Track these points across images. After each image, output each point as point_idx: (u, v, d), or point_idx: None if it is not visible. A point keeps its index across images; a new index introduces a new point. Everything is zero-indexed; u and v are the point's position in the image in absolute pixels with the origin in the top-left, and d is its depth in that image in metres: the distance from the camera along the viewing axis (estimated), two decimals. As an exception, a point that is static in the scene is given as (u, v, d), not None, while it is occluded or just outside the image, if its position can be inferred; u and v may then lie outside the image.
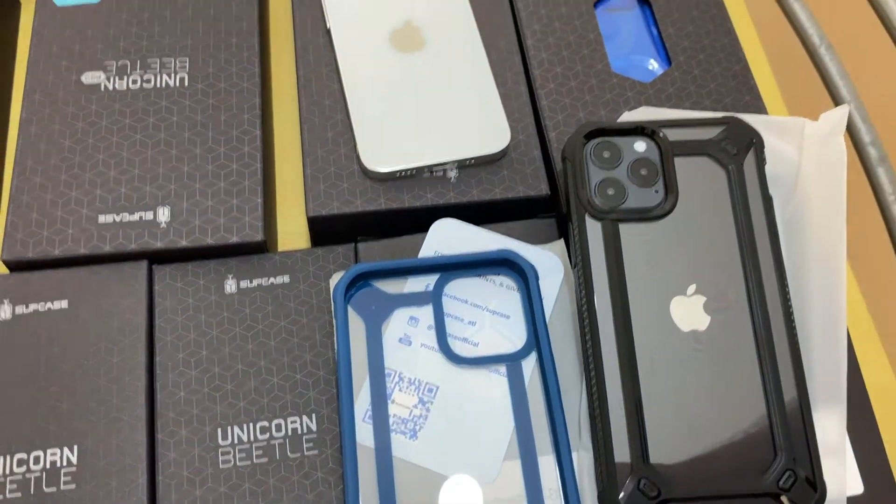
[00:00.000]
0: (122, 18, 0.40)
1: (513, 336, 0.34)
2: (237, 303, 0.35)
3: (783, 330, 0.32)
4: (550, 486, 0.31)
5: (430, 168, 0.37)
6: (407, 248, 0.36)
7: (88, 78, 0.38)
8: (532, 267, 0.34)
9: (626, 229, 0.34)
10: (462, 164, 0.37)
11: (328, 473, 0.32)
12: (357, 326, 0.33)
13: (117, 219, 0.35)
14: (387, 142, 0.37)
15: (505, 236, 0.36)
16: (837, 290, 0.33)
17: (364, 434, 0.31)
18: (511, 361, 0.33)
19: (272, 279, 0.35)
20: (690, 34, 0.42)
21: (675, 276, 0.33)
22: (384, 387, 0.32)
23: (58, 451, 0.31)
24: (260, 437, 0.32)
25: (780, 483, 0.30)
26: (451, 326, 0.34)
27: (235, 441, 0.32)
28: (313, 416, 0.33)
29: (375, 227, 0.37)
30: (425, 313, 0.34)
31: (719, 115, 0.36)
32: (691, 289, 0.33)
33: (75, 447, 0.31)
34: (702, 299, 0.33)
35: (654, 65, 0.42)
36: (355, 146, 0.37)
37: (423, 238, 0.36)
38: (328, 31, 0.40)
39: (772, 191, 0.35)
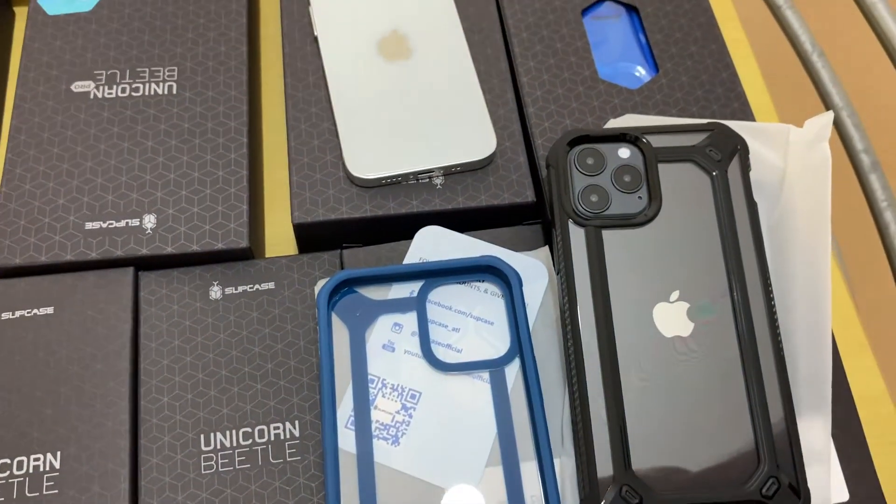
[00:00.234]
0: (113, 28, 0.40)
1: (496, 342, 0.34)
2: (222, 309, 0.35)
3: (767, 336, 0.32)
4: (533, 493, 0.31)
5: (416, 175, 0.37)
6: (392, 255, 0.36)
7: (78, 86, 0.38)
8: (516, 273, 0.34)
9: (609, 235, 0.34)
10: (448, 171, 0.37)
11: (310, 479, 0.32)
12: (341, 333, 0.33)
13: (104, 225, 0.35)
14: (372, 149, 0.37)
15: (490, 243, 0.36)
16: (822, 297, 0.33)
17: (346, 440, 0.31)
18: (494, 368, 0.33)
19: (257, 286, 0.35)
20: (678, 41, 0.42)
21: (658, 283, 0.33)
22: (367, 393, 0.32)
23: (41, 456, 0.31)
24: (243, 442, 0.32)
25: (764, 490, 0.30)
26: (434, 333, 0.34)
27: (218, 447, 0.32)
28: (296, 422, 0.33)
29: (361, 233, 0.37)
30: (409, 320, 0.34)
31: (704, 121, 0.36)
32: (674, 295, 0.33)
33: (59, 453, 0.31)
34: (685, 306, 0.33)
35: (642, 72, 0.42)
36: (341, 153, 0.37)
37: (409, 245, 0.36)
38: (315, 40, 0.40)
39: (757, 197, 0.35)
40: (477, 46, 0.41)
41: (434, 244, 0.36)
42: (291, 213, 0.36)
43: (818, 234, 0.34)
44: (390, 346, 0.33)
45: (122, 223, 0.35)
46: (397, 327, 0.34)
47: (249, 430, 0.33)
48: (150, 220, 0.35)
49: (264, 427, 0.33)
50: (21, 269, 0.34)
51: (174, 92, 0.39)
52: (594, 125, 0.39)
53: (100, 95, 0.38)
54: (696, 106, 0.40)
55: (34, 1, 0.41)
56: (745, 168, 0.35)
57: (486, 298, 0.35)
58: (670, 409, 0.31)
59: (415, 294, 0.34)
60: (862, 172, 0.49)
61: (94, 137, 0.37)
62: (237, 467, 0.32)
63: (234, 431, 0.32)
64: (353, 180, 0.37)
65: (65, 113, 0.38)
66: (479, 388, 0.33)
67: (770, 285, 0.33)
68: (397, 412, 0.32)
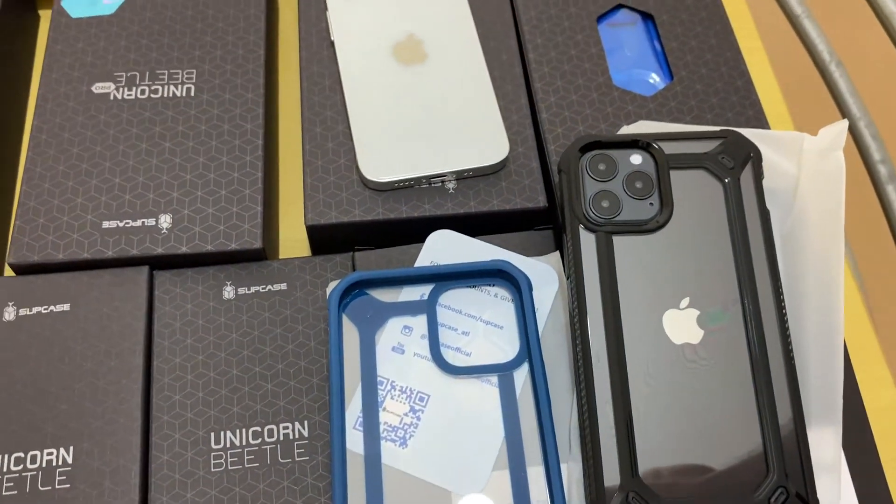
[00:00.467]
0: (134, 30, 0.41)
1: (506, 346, 0.34)
2: (234, 309, 0.35)
3: (778, 345, 0.32)
4: (539, 498, 0.31)
5: (429, 179, 0.37)
6: (404, 258, 0.36)
7: (98, 88, 0.39)
8: (526, 278, 0.34)
9: (620, 241, 0.34)
10: (460, 176, 0.37)
11: (318, 480, 0.32)
12: (351, 334, 0.34)
13: (120, 224, 0.36)
14: (386, 152, 0.37)
15: (501, 248, 0.36)
16: (834, 307, 0.33)
17: (354, 441, 0.32)
18: (503, 372, 0.33)
19: (269, 286, 0.36)
20: (693, 49, 0.42)
21: (668, 289, 0.33)
22: (376, 394, 0.33)
23: (54, 451, 0.32)
24: (252, 442, 0.33)
25: (772, 500, 0.30)
26: (444, 336, 0.34)
27: (228, 445, 0.32)
28: (305, 422, 0.33)
29: (373, 236, 0.37)
30: (419, 322, 0.34)
31: (717, 128, 0.36)
32: (685, 302, 0.33)
33: (71, 448, 0.32)
34: (695, 313, 0.32)
35: (656, 79, 0.42)
36: (355, 156, 0.37)
37: (420, 248, 0.36)
38: (332, 44, 0.40)
39: (770, 205, 0.35)
40: (492, 52, 0.41)
41: (445, 248, 0.36)
42: (305, 215, 0.36)
43: (831, 242, 0.33)
44: (400, 348, 0.34)
45: (139, 222, 0.36)
46: (407, 330, 0.34)
47: (259, 429, 0.33)
48: (165, 220, 0.36)
49: (274, 426, 0.33)
50: (39, 267, 0.35)
51: (192, 94, 0.39)
52: (607, 131, 0.39)
53: (120, 97, 0.39)
54: (711, 113, 0.40)
55: (58, 3, 0.42)
56: (758, 176, 0.35)
57: (496, 303, 0.35)
58: (679, 417, 0.31)
59: (425, 297, 0.34)
60: (879, 183, 0.48)
61: (114, 138, 0.38)
62: (246, 466, 0.32)
63: (243, 430, 0.33)
64: (366, 183, 0.37)
65: (85, 113, 0.38)
66: (487, 392, 0.33)
67: (781, 294, 0.33)
68: (405, 414, 0.32)
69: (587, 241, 0.34)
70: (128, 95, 0.39)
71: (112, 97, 0.39)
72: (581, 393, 0.32)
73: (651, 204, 0.34)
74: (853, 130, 0.49)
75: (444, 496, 0.31)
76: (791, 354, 0.32)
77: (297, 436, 0.33)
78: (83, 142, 0.38)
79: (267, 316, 0.35)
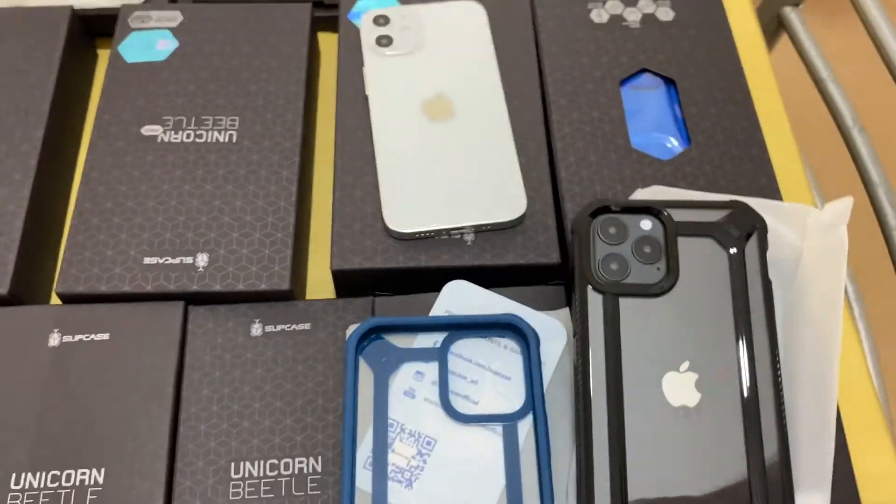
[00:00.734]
0: (183, 77, 0.44)
1: (512, 397, 0.36)
2: (261, 346, 0.38)
3: (772, 415, 0.33)
4: (535, 545, 0.33)
5: (448, 231, 0.39)
6: (420, 305, 0.38)
7: (147, 130, 0.42)
8: (534, 332, 0.36)
9: (626, 304, 0.35)
10: (479, 229, 0.39)
11: (328, 513, 0.34)
12: (366, 376, 0.36)
13: (160, 261, 0.38)
14: (410, 204, 0.39)
15: (513, 301, 0.38)
16: (830, 380, 0.34)
17: (363, 480, 0.34)
18: (507, 422, 0.35)
19: (294, 326, 0.38)
20: (712, 116, 0.43)
21: (669, 352, 0.34)
22: (386, 436, 0.35)
23: (87, 471, 0.34)
24: (269, 473, 0.35)
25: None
26: (454, 383, 0.36)
27: (246, 475, 0.35)
28: (319, 458, 0.35)
29: (394, 282, 0.39)
30: (431, 369, 0.36)
31: (726, 198, 0.38)
32: (684, 366, 0.34)
33: (103, 469, 0.34)
34: (694, 377, 0.34)
35: (674, 143, 0.43)
36: (381, 206, 0.40)
37: (437, 297, 0.38)
38: (366, 98, 0.43)
39: (773, 275, 0.36)
40: (516, 111, 0.43)
41: (460, 298, 0.38)
42: (331, 260, 0.39)
43: (830, 316, 0.35)
44: (411, 392, 0.36)
45: (178, 260, 0.39)
46: (419, 375, 0.36)
47: (276, 461, 0.35)
48: (202, 259, 0.39)
49: (290, 460, 0.35)
50: (83, 297, 0.38)
51: (234, 140, 0.42)
52: (623, 193, 0.41)
53: (167, 140, 0.42)
54: (724, 180, 0.41)
55: (115, 48, 0.45)
56: (763, 247, 0.36)
57: (505, 354, 0.37)
58: (672, 479, 0.32)
59: (438, 345, 0.36)
60: (895, 249, 0.49)
61: (159, 178, 0.41)
62: (262, 496, 0.34)
63: (262, 462, 0.35)
64: (389, 232, 0.39)
65: (134, 154, 0.41)
66: (491, 441, 0.35)
67: (779, 365, 0.34)
68: (413, 457, 0.34)
69: (594, 301, 0.35)
70: (174, 139, 0.42)
71: (159, 139, 0.42)
72: (580, 448, 0.33)
73: (658, 269, 0.36)
74: (872, 196, 0.50)
75: (444, 538, 0.33)
76: (784, 424, 0.33)
77: (310, 470, 0.35)
78: (130, 181, 0.41)
79: (290, 354, 0.37)
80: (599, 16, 0.47)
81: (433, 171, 0.40)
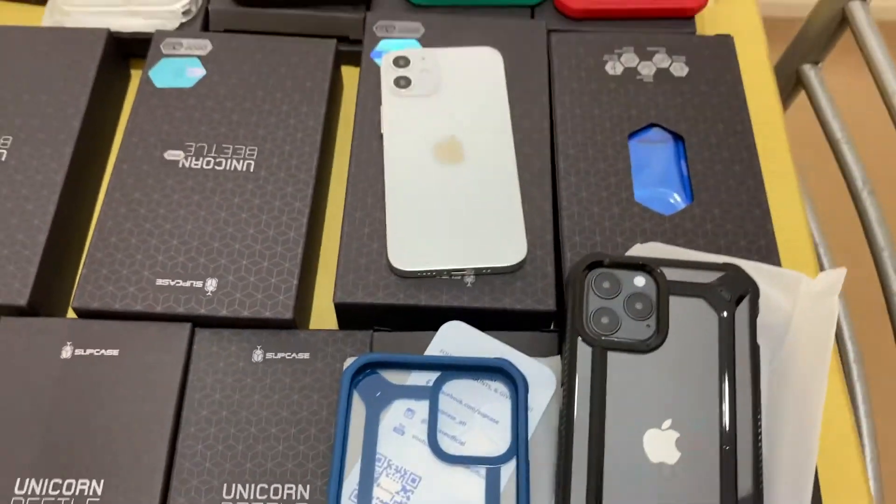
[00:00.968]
0: (208, 105, 0.46)
1: (498, 440, 0.37)
2: (260, 372, 0.39)
3: (749, 479, 0.34)
4: (508, 588, 0.34)
5: (450, 272, 0.40)
6: (417, 343, 0.39)
7: (170, 155, 0.44)
8: (524, 379, 0.37)
9: (614, 357, 0.36)
10: (479, 272, 0.41)
11: (311, 541, 0.35)
12: (359, 410, 0.37)
13: (172, 283, 0.40)
14: (414, 243, 0.41)
15: (506, 345, 0.39)
16: (809, 449, 0.34)
17: (347, 510, 0.35)
18: (491, 465, 0.36)
19: (294, 354, 0.40)
20: (717, 174, 0.44)
21: (653, 409, 0.35)
22: (373, 470, 0.36)
23: (87, 481, 0.36)
24: (259, 497, 0.36)
25: None
26: (443, 423, 0.37)
27: (237, 497, 0.36)
28: (308, 486, 0.36)
29: (394, 318, 0.41)
30: (422, 407, 0.37)
31: (721, 260, 0.38)
32: (666, 423, 0.35)
33: (102, 481, 0.36)
34: (675, 435, 0.35)
35: (677, 199, 0.44)
36: (386, 243, 0.41)
37: (433, 336, 0.39)
38: (381, 136, 0.44)
39: (762, 339, 0.37)
40: (525, 158, 0.44)
41: (456, 338, 0.39)
42: (334, 293, 0.40)
43: (815, 384, 0.35)
44: (401, 429, 0.37)
45: (188, 283, 0.40)
46: (410, 413, 0.37)
47: (266, 486, 0.36)
48: (211, 284, 0.40)
49: (279, 485, 0.36)
50: (96, 313, 0.40)
51: (251, 170, 0.44)
52: (623, 246, 0.42)
53: (188, 165, 0.44)
54: (724, 239, 0.42)
55: (146, 73, 0.47)
56: (754, 312, 0.37)
57: (494, 397, 0.38)
58: (646, 531, 0.33)
59: (430, 384, 0.38)
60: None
61: (177, 203, 0.42)
62: (250, 519, 0.36)
63: (253, 485, 0.36)
64: (393, 270, 0.41)
65: (155, 177, 0.43)
66: (474, 482, 0.36)
67: (760, 431, 0.35)
68: (397, 492, 0.35)
69: (583, 353, 0.36)
70: (195, 164, 0.44)
71: (181, 165, 0.44)
72: (559, 495, 0.34)
73: (648, 326, 0.37)
74: (876, 261, 0.50)
75: (420, 574, 0.34)
76: (761, 489, 0.34)
77: (298, 497, 0.36)
78: (150, 203, 0.42)
79: (288, 382, 0.39)
80: (614, 68, 0.48)
81: (439, 213, 0.42)
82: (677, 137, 0.46)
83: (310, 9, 0.51)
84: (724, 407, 0.35)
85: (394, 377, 0.38)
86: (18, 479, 0.36)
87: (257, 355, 0.39)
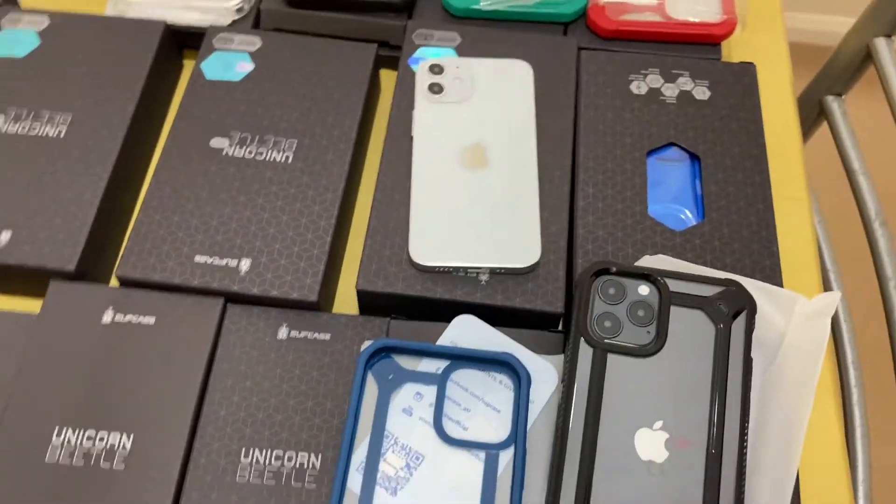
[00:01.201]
0: (253, 98, 0.49)
1: (499, 428, 0.39)
2: (284, 348, 0.42)
3: (732, 482, 0.36)
4: (497, 565, 0.36)
5: (466, 269, 0.43)
6: (430, 332, 0.42)
7: (215, 142, 0.47)
8: (527, 374, 0.39)
9: (613, 360, 0.39)
10: (493, 271, 0.43)
11: (319, 507, 0.38)
12: (371, 390, 0.40)
13: (209, 261, 0.43)
14: (434, 240, 0.43)
15: (514, 341, 0.41)
16: (790, 462, 0.36)
17: (354, 482, 0.38)
18: (491, 450, 0.38)
19: (316, 334, 0.42)
20: (729, 194, 0.46)
21: (646, 410, 0.37)
22: (381, 446, 0.39)
23: (119, 434, 0.39)
24: (273, 462, 0.39)
25: None
26: (448, 408, 0.39)
27: (254, 462, 0.39)
28: (320, 455, 0.39)
29: (410, 308, 0.43)
30: (430, 392, 0.40)
31: (722, 276, 0.41)
32: (658, 424, 0.37)
33: (132, 435, 0.39)
34: (665, 435, 0.37)
35: (689, 215, 0.46)
36: (408, 238, 0.44)
37: (445, 327, 0.42)
38: (411, 138, 0.47)
39: (755, 352, 0.39)
40: (547, 167, 0.47)
41: (466, 331, 0.42)
42: (357, 280, 0.43)
43: (801, 402, 0.37)
44: (409, 410, 0.39)
45: (224, 262, 0.43)
46: (418, 396, 0.40)
47: (281, 452, 0.39)
48: (245, 264, 0.43)
49: (293, 453, 0.39)
50: (137, 282, 0.43)
51: (289, 161, 0.47)
52: (632, 257, 0.44)
53: (231, 153, 0.47)
54: (731, 257, 0.44)
55: (198, 65, 0.50)
56: (750, 327, 0.39)
57: (498, 388, 0.40)
58: (630, 523, 0.35)
59: (440, 371, 0.40)
60: (898, 343, 0.51)
61: (218, 187, 0.46)
62: (264, 482, 0.39)
63: (269, 451, 0.39)
64: (413, 263, 0.43)
65: (200, 163, 0.46)
66: (473, 465, 0.38)
67: (746, 439, 0.37)
68: (401, 468, 0.38)
69: (585, 353, 0.39)
70: (237, 153, 0.47)
71: (224, 152, 0.47)
72: (551, 484, 0.37)
73: (648, 332, 0.39)
74: (883, 292, 0.52)
75: (417, 545, 0.36)
76: (742, 494, 0.36)
77: (310, 466, 0.39)
78: (193, 186, 0.46)
79: (309, 360, 0.42)
80: (639, 87, 0.50)
81: (460, 214, 0.44)
82: (694, 157, 0.48)
83: (355, 13, 0.54)
84: (714, 413, 0.37)
85: (406, 362, 0.41)
86: (57, 428, 0.39)
87: (282, 332, 0.42)
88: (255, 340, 0.42)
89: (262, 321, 0.43)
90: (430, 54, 0.51)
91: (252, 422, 0.40)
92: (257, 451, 0.39)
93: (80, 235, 0.44)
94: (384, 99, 0.55)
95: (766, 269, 0.44)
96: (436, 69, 0.49)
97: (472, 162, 0.46)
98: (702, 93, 0.50)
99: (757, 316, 0.39)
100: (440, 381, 0.40)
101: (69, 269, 0.43)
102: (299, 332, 0.43)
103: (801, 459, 0.38)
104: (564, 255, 0.44)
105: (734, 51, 0.57)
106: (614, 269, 0.40)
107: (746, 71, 0.51)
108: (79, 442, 0.39)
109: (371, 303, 0.44)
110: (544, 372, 0.40)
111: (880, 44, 0.56)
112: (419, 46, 0.52)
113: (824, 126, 0.63)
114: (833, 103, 0.61)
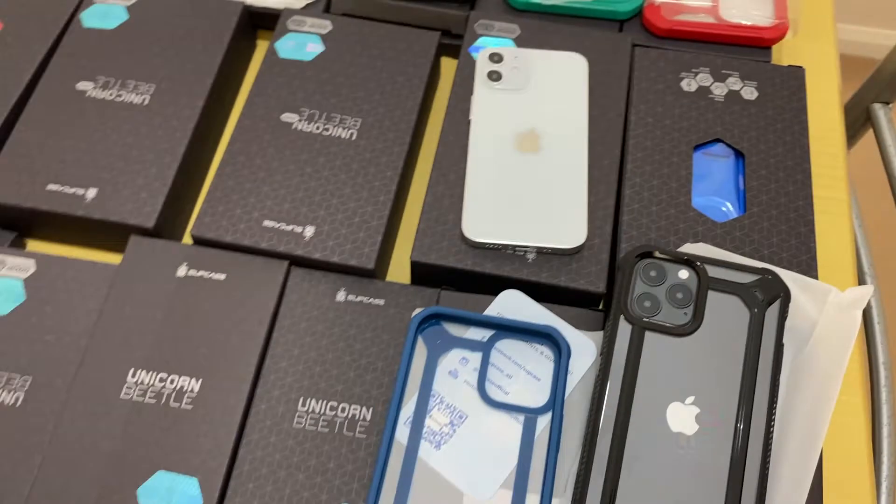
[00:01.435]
0: (323, 78, 0.52)
1: (538, 395, 0.42)
2: (342, 310, 0.45)
3: (758, 461, 0.38)
4: (530, 520, 0.39)
5: (514, 247, 0.46)
6: (478, 304, 0.45)
7: (286, 117, 0.51)
8: (568, 346, 0.42)
9: (650, 337, 0.41)
10: (541, 250, 0.46)
11: (368, 454, 0.41)
12: (421, 352, 0.43)
13: (276, 226, 0.47)
14: (486, 218, 0.46)
15: (556, 316, 0.44)
16: (813, 446, 0.38)
17: (402, 433, 0.41)
18: (529, 414, 0.41)
19: (372, 300, 0.46)
20: (771, 190, 0.48)
21: (679, 386, 0.40)
22: (427, 403, 0.41)
23: (188, 379, 0.43)
24: (328, 412, 0.42)
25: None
26: (491, 373, 0.42)
27: (310, 410, 0.42)
28: (371, 409, 0.42)
29: (460, 280, 0.46)
30: (475, 358, 0.43)
31: (759, 265, 0.43)
32: (689, 399, 0.39)
33: (200, 380, 0.43)
34: (696, 410, 0.39)
35: (730, 208, 0.48)
36: (461, 215, 0.46)
37: (492, 300, 0.45)
38: (469, 122, 0.50)
39: (787, 339, 0.41)
40: (597, 155, 0.49)
41: (512, 305, 0.44)
42: (412, 252, 0.46)
43: (828, 389, 0.39)
44: (455, 373, 0.42)
45: (290, 227, 0.47)
46: (464, 361, 0.43)
47: (335, 404, 0.42)
48: (309, 230, 0.47)
49: (346, 405, 0.42)
50: (210, 242, 0.47)
51: (353, 138, 0.50)
52: (674, 244, 0.46)
53: (300, 128, 0.50)
54: (768, 250, 0.46)
55: (272, 44, 0.54)
56: (783, 314, 0.41)
57: (540, 358, 0.43)
58: (658, 491, 0.38)
59: (485, 340, 0.43)
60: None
61: (287, 158, 0.49)
62: (319, 429, 0.42)
63: (324, 402, 0.43)
64: (464, 239, 0.46)
65: (272, 134, 0.50)
66: (512, 426, 0.41)
67: (773, 420, 0.39)
68: (445, 425, 0.41)
69: (624, 330, 0.41)
70: (306, 128, 0.50)
71: (294, 127, 0.50)
72: (585, 449, 0.39)
73: (685, 314, 0.41)
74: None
75: (456, 496, 0.39)
76: (766, 472, 0.38)
77: (361, 417, 0.42)
78: (264, 156, 0.49)
79: (364, 322, 0.45)
80: (689, 85, 0.52)
81: (511, 194, 0.47)
82: (738, 154, 0.50)
83: (420, 2, 0.57)
84: (744, 393, 0.39)
85: (454, 330, 0.43)
86: (132, 369, 0.43)
87: (341, 296, 0.46)
88: (315, 301, 0.45)
89: (323, 284, 0.46)
90: (490, 44, 0.54)
91: (310, 374, 0.43)
92: (313, 401, 0.43)
93: (160, 195, 0.48)
94: (443, 85, 0.58)
95: (802, 264, 0.46)
96: (495, 58, 0.52)
97: (525, 146, 0.49)
98: (750, 93, 0.52)
99: (790, 304, 0.41)
100: (485, 348, 0.43)
101: (148, 226, 0.47)
102: (356, 297, 0.46)
103: (826, 449, 0.40)
104: (609, 239, 0.47)
105: (784, 56, 0.59)
106: (657, 253, 0.42)
107: (795, 74, 0.53)
108: (151, 382, 0.43)
109: (423, 273, 0.47)
110: (584, 346, 0.43)
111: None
112: (480, 36, 0.54)
113: (870, 133, 0.64)
114: (879, 111, 0.62)
